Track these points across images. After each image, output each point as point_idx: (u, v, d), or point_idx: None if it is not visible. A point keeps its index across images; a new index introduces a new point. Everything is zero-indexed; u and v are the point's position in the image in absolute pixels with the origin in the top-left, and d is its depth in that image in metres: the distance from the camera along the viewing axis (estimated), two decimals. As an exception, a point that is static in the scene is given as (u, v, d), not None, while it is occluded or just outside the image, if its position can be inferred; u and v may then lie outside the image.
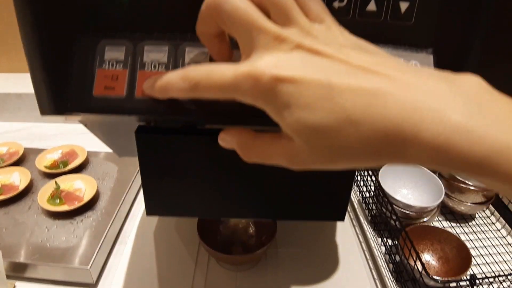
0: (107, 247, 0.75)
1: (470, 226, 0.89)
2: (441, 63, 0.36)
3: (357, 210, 0.87)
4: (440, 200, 0.77)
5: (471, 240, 0.84)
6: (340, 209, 0.54)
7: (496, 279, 0.68)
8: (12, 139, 1.04)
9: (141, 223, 0.75)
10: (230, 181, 0.51)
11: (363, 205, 0.88)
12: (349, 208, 0.88)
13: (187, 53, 0.35)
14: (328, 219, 0.56)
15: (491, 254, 0.81)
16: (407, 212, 0.76)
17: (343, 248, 0.73)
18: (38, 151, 0.97)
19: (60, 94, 0.35)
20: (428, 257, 0.76)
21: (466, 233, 0.86)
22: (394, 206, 0.77)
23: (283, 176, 0.51)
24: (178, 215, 0.56)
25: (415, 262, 0.69)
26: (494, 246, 0.84)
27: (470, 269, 0.69)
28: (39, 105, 0.39)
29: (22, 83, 1.20)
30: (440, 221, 0.88)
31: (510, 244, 0.84)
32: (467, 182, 0.82)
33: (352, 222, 0.84)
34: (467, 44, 0.36)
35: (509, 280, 0.71)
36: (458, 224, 0.88)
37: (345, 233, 0.76)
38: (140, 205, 0.87)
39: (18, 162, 0.95)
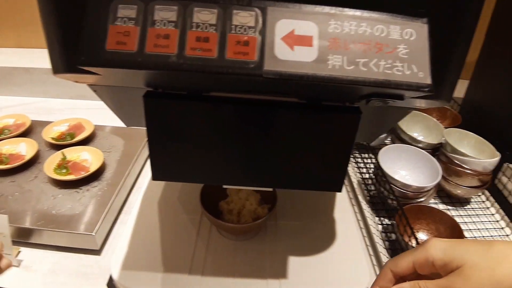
0: (112, 216, 0.76)
1: (465, 209, 0.89)
2: (435, 33, 0.36)
3: (357, 190, 0.88)
4: (437, 181, 0.77)
5: (466, 223, 0.85)
6: (337, 180, 0.55)
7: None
8: (19, 112, 1.04)
9: (146, 195, 0.75)
10: (234, 149, 0.51)
11: (363, 185, 0.89)
12: (348, 189, 0.89)
13: (195, 12, 0.36)
14: (326, 189, 0.56)
15: (484, 237, 0.82)
16: (404, 191, 0.77)
17: (341, 225, 0.73)
18: (45, 123, 0.97)
19: (73, 49, 0.36)
20: (423, 236, 0.77)
21: (461, 216, 0.87)
22: (392, 185, 0.77)
23: (285, 146, 0.51)
24: (183, 180, 0.57)
25: (409, 238, 0.70)
26: (487, 229, 0.84)
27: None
28: (52, 64, 0.39)
29: (30, 57, 1.20)
30: (436, 203, 0.89)
31: (503, 228, 0.84)
32: (464, 166, 0.83)
33: (351, 201, 0.85)
34: (462, 13, 0.37)
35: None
36: (454, 207, 0.89)
37: (344, 211, 0.77)
38: (145, 178, 0.87)
39: (25, 134, 0.95)
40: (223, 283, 0.60)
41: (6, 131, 0.94)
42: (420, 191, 0.78)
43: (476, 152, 0.88)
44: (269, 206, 0.69)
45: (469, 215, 0.87)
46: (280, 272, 0.62)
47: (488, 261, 0.35)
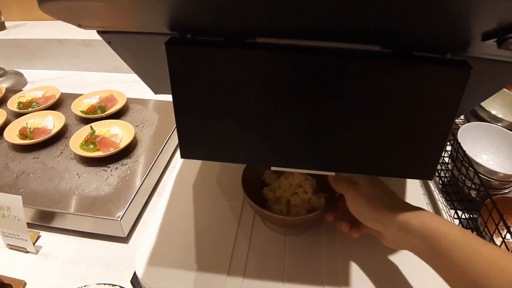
0: (142, 199, 0.65)
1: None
2: None
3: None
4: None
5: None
6: (429, 164, 0.40)
7: None
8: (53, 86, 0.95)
9: (179, 176, 0.63)
10: (287, 117, 0.38)
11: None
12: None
13: None
14: (412, 176, 0.41)
15: None
16: (489, 179, 0.60)
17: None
18: (75, 96, 0.87)
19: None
20: (513, 236, 0.60)
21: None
22: (475, 172, 0.61)
23: (357, 115, 0.37)
24: (218, 159, 0.44)
25: (504, 239, 0.54)
26: None
27: None
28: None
29: (64, 28, 1.10)
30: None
31: None
32: None
33: (421, 189, 0.69)
34: None
35: None
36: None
37: (414, 201, 0.61)
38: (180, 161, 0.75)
39: (54, 107, 0.85)
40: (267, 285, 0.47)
41: (34, 104, 0.85)
42: (507, 180, 0.61)
43: None
44: (326, 195, 0.55)
45: None
46: (341, 277, 0.48)
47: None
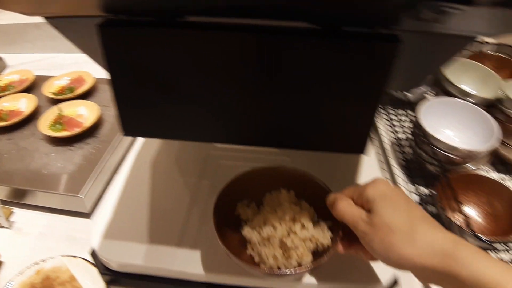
0: (105, 177, 0.66)
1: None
2: None
3: (389, 153, 0.72)
4: (492, 144, 0.60)
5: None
6: (361, 138, 0.40)
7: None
8: (31, 69, 0.95)
9: (140, 154, 0.64)
10: (223, 94, 0.38)
11: (397, 147, 0.73)
12: (379, 151, 0.73)
13: None
14: (345, 151, 0.42)
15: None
16: (450, 155, 0.60)
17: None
18: (48, 78, 0.88)
19: None
20: (471, 212, 0.61)
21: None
22: (434, 147, 0.61)
23: (291, 91, 0.37)
24: (161, 136, 0.44)
25: (454, 214, 0.55)
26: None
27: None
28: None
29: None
30: (488, 171, 0.72)
31: None
32: (529, 126, 0.65)
33: (381, 166, 0.70)
34: None
35: None
36: (510, 177, 0.71)
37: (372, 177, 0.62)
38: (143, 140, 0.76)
39: (28, 90, 0.86)
40: (219, 258, 0.48)
41: (10, 87, 0.87)
42: (469, 156, 0.61)
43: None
44: (329, 224, 0.44)
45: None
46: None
47: (401, 238, 0.34)
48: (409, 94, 0.79)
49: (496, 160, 0.73)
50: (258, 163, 0.58)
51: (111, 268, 0.51)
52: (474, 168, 0.64)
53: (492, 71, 0.76)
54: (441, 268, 0.31)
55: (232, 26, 0.35)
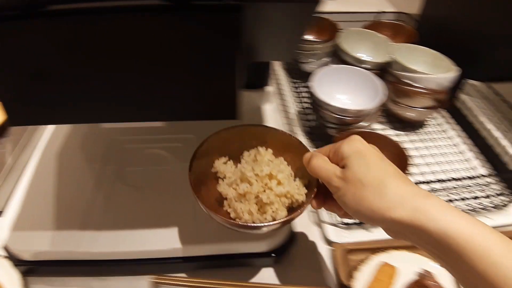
0: (15, 174, 0.66)
1: (419, 133, 0.78)
2: None
3: (295, 122, 0.77)
4: (377, 101, 0.66)
5: (420, 148, 0.74)
6: (229, 105, 0.43)
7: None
8: None
9: (47, 146, 0.64)
10: (98, 76, 0.40)
11: (302, 116, 0.77)
12: (285, 121, 0.78)
13: None
14: (220, 117, 0.45)
15: (440, 163, 0.72)
16: (342, 117, 0.66)
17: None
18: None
19: None
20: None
21: (415, 141, 0.76)
22: (329, 112, 0.66)
23: (153, 66, 0.40)
24: (49, 122, 0.46)
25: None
26: (444, 154, 0.74)
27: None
28: None
29: None
30: (386, 129, 0.78)
31: (461, 153, 0.74)
32: (414, 84, 0.71)
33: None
34: None
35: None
36: (406, 132, 0.78)
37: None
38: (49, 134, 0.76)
39: None
40: (122, 237, 0.51)
41: None
42: (359, 115, 0.66)
43: (433, 70, 0.76)
44: (305, 182, 0.47)
45: (424, 139, 0.77)
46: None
47: (373, 189, 0.35)
48: (313, 66, 0.84)
49: (393, 118, 0.79)
50: (163, 144, 0.60)
51: (24, 259, 0.52)
52: (366, 125, 0.69)
53: (384, 37, 0.82)
54: (409, 222, 0.32)
55: (85, 10, 0.36)
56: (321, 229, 0.59)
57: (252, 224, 0.43)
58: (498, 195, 0.65)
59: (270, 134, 0.51)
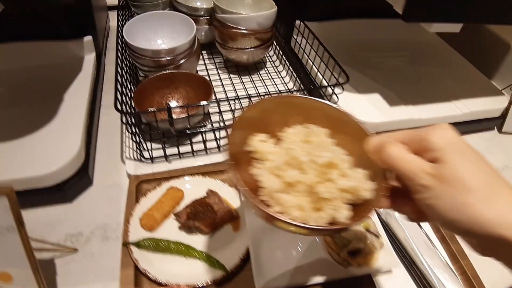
0: None
1: (255, 75, 0.81)
2: None
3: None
4: (188, 38, 0.67)
5: (260, 87, 0.78)
6: None
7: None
8: None
9: None
10: None
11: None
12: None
13: None
14: None
15: (269, 94, 0.75)
16: (157, 59, 0.66)
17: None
18: None
19: None
20: (172, 103, 0.69)
21: (247, 82, 0.79)
22: (144, 57, 0.67)
23: None
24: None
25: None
26: (273, 90, 0.77)
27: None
28: None
29: None
30: (220, 73, 0.80)
31: (287, 83, 0.77)
32: (237, 26, 0.73)
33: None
34: None
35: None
36: (243, 76, 0.81)
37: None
38: None
39: None
40: None
41: None
42: (173, 54, 0.67)
43: (256, 11, 0.78)
44: (369, 173, 0.36)
45: (257, 80, 0.80)
46: None
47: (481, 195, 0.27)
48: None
49: (230, 63, 0.82)
50: None
51: None
52: (184, 62, 0.70)
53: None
54: None
55: None
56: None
57: (310, 226, 0.31)
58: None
59: (319, 109, 0.40)
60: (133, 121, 0.59)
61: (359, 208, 0.34)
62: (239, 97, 0.61)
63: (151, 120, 0.57)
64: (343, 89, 0.60)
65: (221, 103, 0.61)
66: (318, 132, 0.38)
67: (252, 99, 0.60)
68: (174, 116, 0.57)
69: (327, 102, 0.40)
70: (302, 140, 0.38)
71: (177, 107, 0.65)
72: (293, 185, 0.34)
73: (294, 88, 0.77)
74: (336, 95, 0.62)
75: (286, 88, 0.78)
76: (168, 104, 0.51)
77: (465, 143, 0.30)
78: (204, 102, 0.58)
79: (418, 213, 0.32)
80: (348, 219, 0.32)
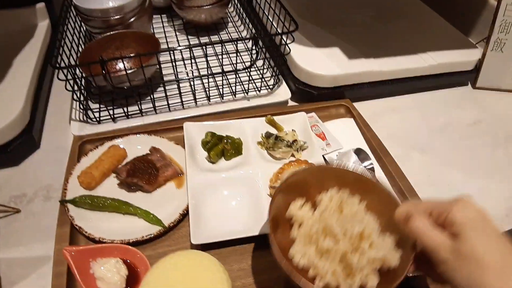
0: None
1: (214, 35, 0.79)
2: None
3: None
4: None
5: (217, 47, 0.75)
6: None
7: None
8: None
9: None
10: None
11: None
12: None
13: None
14: None
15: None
16: (107, 18, 0.64)
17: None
18: None
19: None
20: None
21: (212, 42, 0.77)
22: (93, 17, 0.65)
23: None
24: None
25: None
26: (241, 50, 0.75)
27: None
28: None
29: None
30: (178, 36, 0.78)
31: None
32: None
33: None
34: None
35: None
36: (202, 37, 0.78)
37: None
38: None
39: None
40: None
41: None
42: (122, 12, 0.65)
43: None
44: (396, 238, 0.38)
45: (216, 40, 0.78)
46: None
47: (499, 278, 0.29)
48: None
49: (189, 25, 0.79)
50: None
51: None
52: (135, 19, 0.68)
53: None
54: None
55: None
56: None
57: None
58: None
59: (351, 177, 0.43)
60: (75, 79, 0.56)
61: (390, 275, 0.36)
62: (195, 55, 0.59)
63: (88, 75, 0.55)
64: (293, 38, 0.57)
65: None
66: (352, 201, 0.41)
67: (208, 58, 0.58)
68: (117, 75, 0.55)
69: (358, 172, 0.43)
70: (336, 207, 0.41)
71: (112, 59, 0.60)
72: (328, 251, 0.37)
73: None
74: (287, 45, 0.60)
75: (246, 47, 0.75)
76: (101, 57, 0.49)
77: (485, 217, 0.32)
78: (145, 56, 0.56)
79: (440, 279, 0.33)
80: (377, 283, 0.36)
